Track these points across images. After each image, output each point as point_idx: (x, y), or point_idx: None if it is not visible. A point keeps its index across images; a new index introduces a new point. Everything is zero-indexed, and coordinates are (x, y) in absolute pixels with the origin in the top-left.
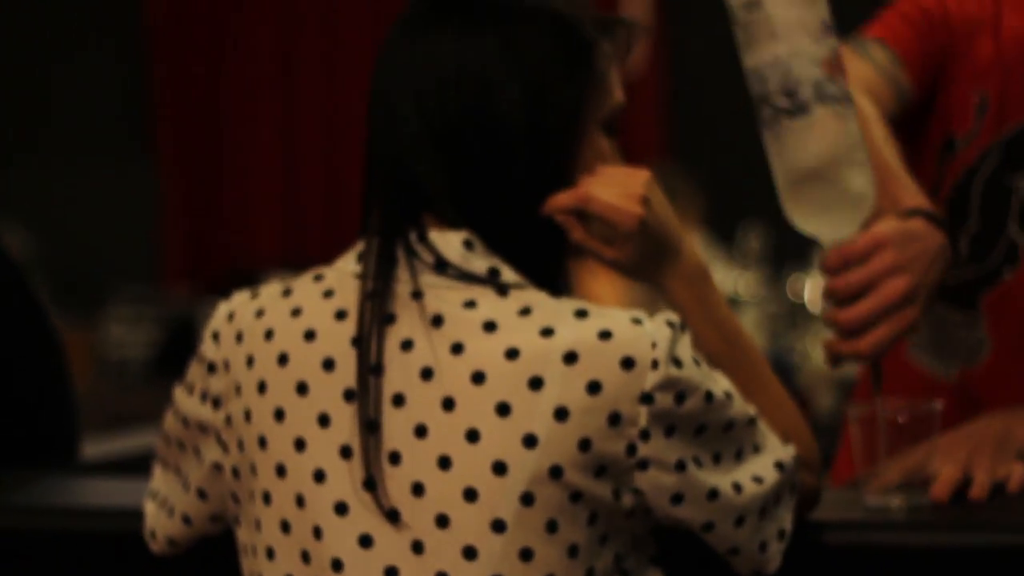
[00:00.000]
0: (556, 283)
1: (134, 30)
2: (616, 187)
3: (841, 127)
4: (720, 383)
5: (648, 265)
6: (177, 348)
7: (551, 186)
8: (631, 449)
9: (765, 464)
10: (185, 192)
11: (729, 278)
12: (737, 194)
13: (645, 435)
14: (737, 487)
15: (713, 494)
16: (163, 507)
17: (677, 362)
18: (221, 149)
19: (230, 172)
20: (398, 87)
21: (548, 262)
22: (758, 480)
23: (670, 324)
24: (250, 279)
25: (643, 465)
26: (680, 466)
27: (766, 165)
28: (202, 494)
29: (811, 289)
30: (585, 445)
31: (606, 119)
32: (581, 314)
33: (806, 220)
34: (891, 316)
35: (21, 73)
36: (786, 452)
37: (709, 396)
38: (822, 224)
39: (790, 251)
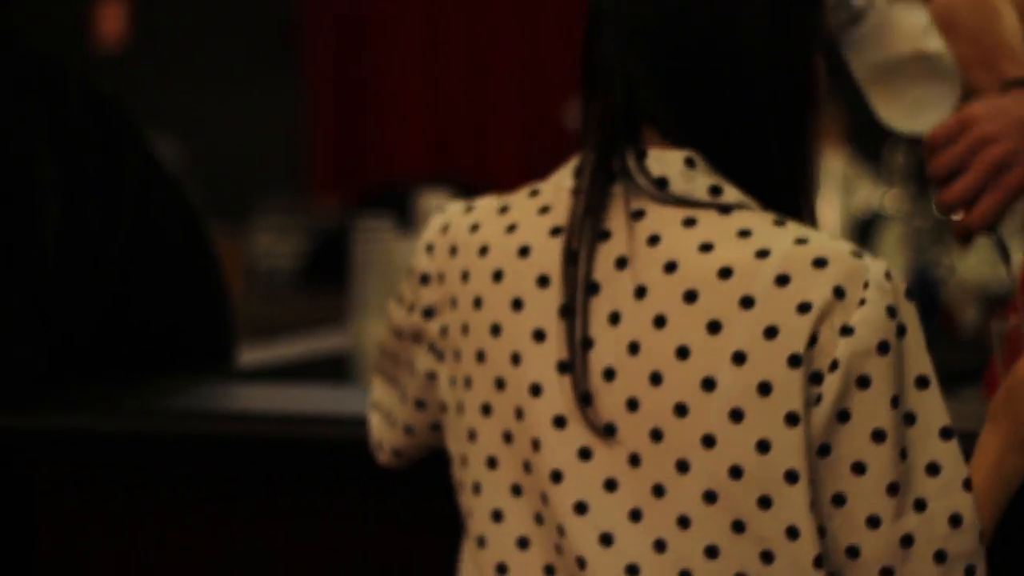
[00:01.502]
0: (786, 204)
1: None
2: None
3: (907, 18)
4: (928, 366)
5: None
6: (326, 259)
7: (787, 104)
8: (816, 377)
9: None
10: (332, 106)
11: (875, 195)
12: None
13: (834, 367)
14: (893, 487)
15: (859, 468)
16: (387, 419)
17: (891, 311)
18: (368, 64)
19: (376, 87)
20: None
21: (779, 183)
22: (921, 505)
23: (888, 275)
24: (399, 194)
25: (818, 399)
26: (843, 415)
27: None
28: (420, 404)
29: None
30: (794, 361)
31: (825, 42)
32: (801, 241)
33: (898, 119)
34: (994, 184)
35: None
36: (968, 506)
37: (900, 362)
38: (913, 117)
39: None
